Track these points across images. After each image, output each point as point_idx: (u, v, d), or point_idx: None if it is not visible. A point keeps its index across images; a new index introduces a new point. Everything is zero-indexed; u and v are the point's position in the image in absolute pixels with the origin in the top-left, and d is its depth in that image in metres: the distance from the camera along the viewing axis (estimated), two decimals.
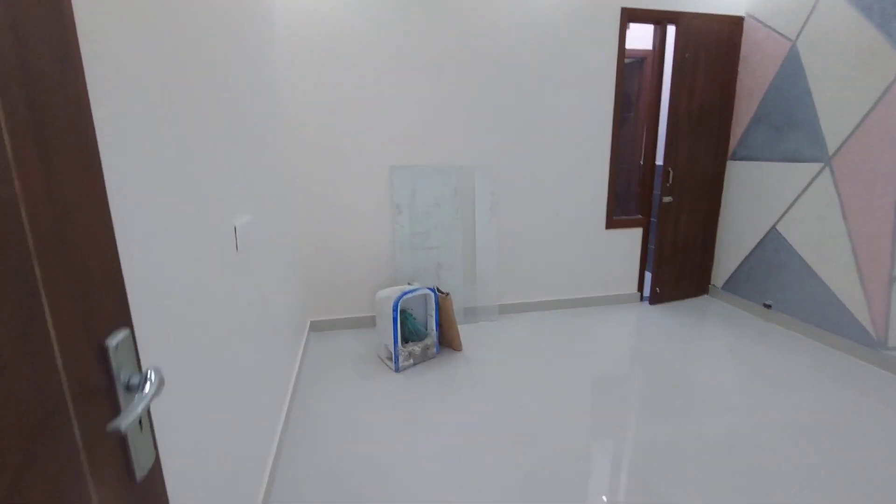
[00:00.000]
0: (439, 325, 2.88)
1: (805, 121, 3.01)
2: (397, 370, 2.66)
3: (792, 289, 3.18)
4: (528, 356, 2.89)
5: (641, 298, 3.83)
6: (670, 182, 3.49)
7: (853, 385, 2.54)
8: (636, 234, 3.69)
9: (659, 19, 3.29)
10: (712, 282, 3.90)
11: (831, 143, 2.86)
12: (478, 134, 3.23)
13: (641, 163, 3.71)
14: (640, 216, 3.69)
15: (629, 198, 4.35)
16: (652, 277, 3.69)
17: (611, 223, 3.59)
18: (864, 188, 2.69)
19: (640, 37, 3.89)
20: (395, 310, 2.57)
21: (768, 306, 3.36)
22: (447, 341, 2.94)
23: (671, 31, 3.38)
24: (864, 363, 2.73)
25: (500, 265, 3.45)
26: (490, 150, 3.27)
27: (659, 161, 3.61)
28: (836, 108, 2.82)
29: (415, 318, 2.84)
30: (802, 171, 3.06)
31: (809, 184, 3.01)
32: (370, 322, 3.26)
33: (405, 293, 2.62)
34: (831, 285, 2.92)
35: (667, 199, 3.52)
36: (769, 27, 3.22)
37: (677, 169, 3.49)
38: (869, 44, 2.61)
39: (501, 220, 3.39)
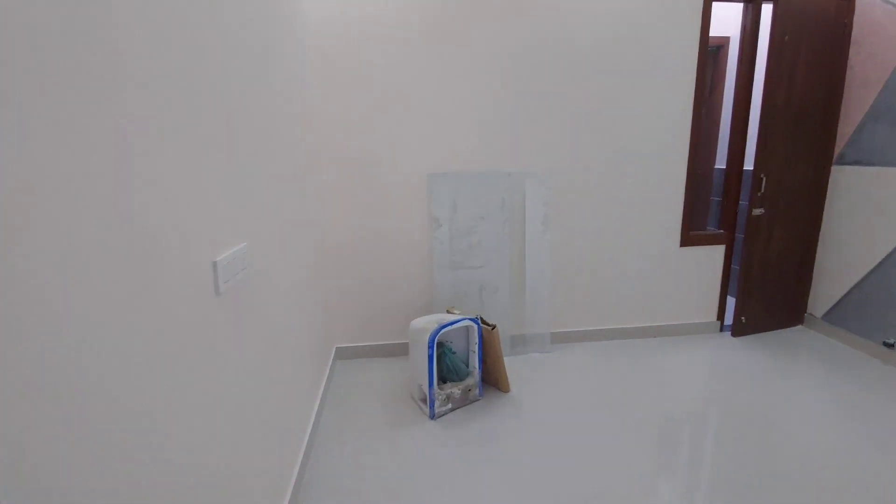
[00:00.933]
0: (483, 361, 2.43)
1: None
2: (433, 416, 2.23)
3: None
4: (587, 400, 2.39)
5: (722, 328, 3.23)
6: (762, 191, 2.90)
7: None
8: (717, 252, 3.11)
9: None
10: (809, 310, 3.25)
11: None
12: (529, 136, 2.77)
13: (725, 168, 3.13)
14: (722, 231, 3.11)
15: (700, 208, 3.76)
16: (736, 304, 3.09)
17: (686, 239, 3.03)
18: None
19: (716, 21, 3.32)
20: (431, 346, 2.14)
21: (890, 346, 2.70)
22: (492, 380, 2.49)
23: (766, 9, 2.81)
24: None
25: (553, 287, 2.96)
26: (543, 154, 2.81)
27: (747, 165, 3.03)
28: None
29: (455, 354, 2.40)
30: None
31: None
32: (403, 350, 2.84)
33: (444, 326, 2.19)
34: None
35: (757, 211, 2.93)
36: (890, 2, 2.60)
37: (771, 175, 2.90)
38: None
39: (555, 236, 2.90)
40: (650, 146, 2.87)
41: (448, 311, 2.51)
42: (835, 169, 3.01)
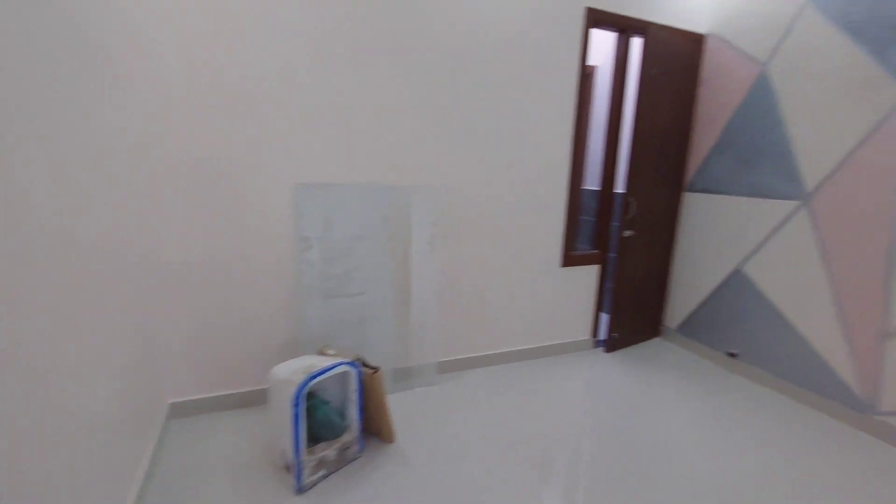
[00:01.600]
0: (363, 410, 2.06)
1: (777, 153, 2.72)
2: (300, 490, 1.78)
3: (761, 338, 2.86)
4: (475, 437, 2.19)
5: (596, 344, 3.33)
6: (632, 214, 3.05)
7: (840, 453, 2.21)
8: (592, 271, 3.19)
9: (625, 27, 2.84)
10: (665, 323, 3.53)
11: (810, 180, 2.58)
12: (416, 147, 2.49)
13: (598, 189, 3.23)
14: (596, 251, 3.20)
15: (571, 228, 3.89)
16: (610, 321, 3.21)
17: (568, 259, 3.05)
18: (850, 232, 2.41)
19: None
20: (296, 402, 1.70)
21: (733, 355, 3.02)
22: (374, 430, 2.13)
23: (636, 42, 2.96)
24: (849, 428, 2.43)
25: (439, 313, 2.72)
26: (431, 168, 2.55)
27: (615, 188, 3.16)
28: (815, 142, 2.54)
29: (328, 405, 1.98)
30: (774, 209, 2.76)
31: (783, 223, 2.71)
32: (263, 398, 2.32)
33: (314, 376, 1.76)
34: (809, 338, 2.62)
35: (628, 232, 3.07)
36: (736, 48, 2.92)
37: (639, 199, 3.05)
38: (859, 72, 2.34)
39: (443, 257, 2.67)
40: (536, 166, 2.81)
41: (321, 353, 2.08)
42: (687, 195, 3.30)
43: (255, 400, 2.36)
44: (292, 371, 1.81)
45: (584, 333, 3.27)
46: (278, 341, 2.36)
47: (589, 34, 2.74)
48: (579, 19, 2.71)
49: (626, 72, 2.96)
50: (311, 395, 1.93)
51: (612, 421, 2.41)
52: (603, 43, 3.55)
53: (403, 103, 2.41)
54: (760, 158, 2.81)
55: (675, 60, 2.98)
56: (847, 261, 2.43)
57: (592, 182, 3.76)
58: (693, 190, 3.26)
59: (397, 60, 2.35)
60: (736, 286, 2.99)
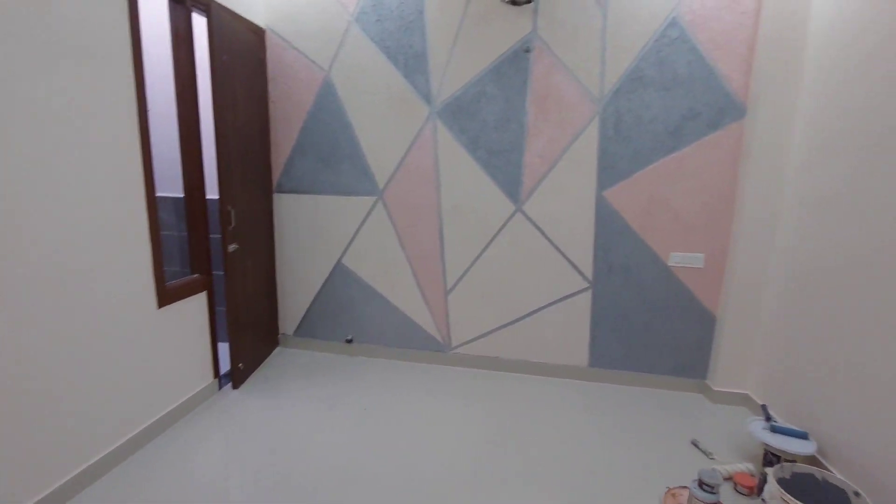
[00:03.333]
0: None
1: (353, 155, 3.03)
2: None
3: (369, 318, 3.24)
4: None
5: (221, 383, 2.77)
6: (233, 224, 2.63)
7: (435, 382, 2.91)
8: (200, 300, 2.57)
9: None
10: (282, 331, 3.38)
11: (380, 179, 3.03)
12: None
13: (184, 197, 2.56)
14: (199, 275, 2.58)
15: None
16: (231, 351, 2.72)
17: (165, 296, 2.29)
18: (413, 218, 3.04)
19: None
20: None
21: (350, 341, 3.28)
22: None
23: (199, 22, 2.44)
24: (438, 366, 3.19)
25: None
26: None
27: (210, 194, 2.62)
28: (378, 146, 2.99)
29: None
30: (358, 205, 3.09)
31: (367, 216, 3.10)
32: None
33: None
34: (401, 307, 3.18)
35: (232, 246, 2.64)
36: (297, 49, 2.96)
37: (237, 206, 2.66)
38: (398, 90, 2.89)
39: None
40: (85, 170, 1.87)
41: None
42: (276, 196, 3.18)
43: None
44: None
45: (205, 378, 2.64)
46: None
47: None
48: None
49: (193, 55, 2.41)
50: None
51: (267, 462, 2.09)
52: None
53: None
54: (339, 159, 3.04)
55: (244, 50, 2.69)
56: (415, 241, 3.07)
57: (170, 187, 2.96)
58: (282, 191, 3.17)
59: None
60: (340, 278, 3.21)
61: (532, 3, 2.63)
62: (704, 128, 2.60)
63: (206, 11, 2.38)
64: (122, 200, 2.02)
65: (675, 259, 2.76)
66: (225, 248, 2.59)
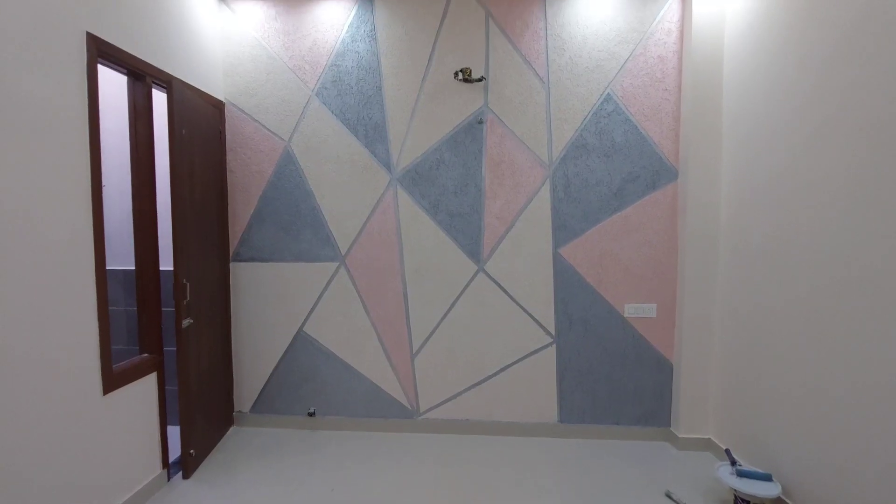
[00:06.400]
0: None
1: (314, 222, 3.03)
2: None
3: (333, 388, 3.10)
4: None
5: (170, 473, 2.51)
6: (188, 298, 2.51)
7: (397, 455, 2.78)
8: (149, 382, 2.38)
9: (143, 72, 2.28)
10: (237, 408, 3.16)
11: (342, 244, 3.04)
12: None
13: (135, 270, 2.42)
14: (148, 354, 2.40)
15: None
16: (182, 437, 2.50)
17: (111, 380, 2.10)
18: (377, 282, 3.04)
19: None
20: None
21: (312, 414, 3.11)
22: None
23: (159, 97, 2.45)
24: (407, 434, 3.06)
25: None
26: None
27: (163, 264, 2.50)
28: (340, 213, 3.02)
29: None
30: (319, 271, 3.06)
31: (329, 282, 3.06)
32: None
33: None
34: (366, 373, 3.09)
35: (186, 322, 2.50)
36: (258, 121, 3.01)
37: (192, 278, 2.56)
38: (359, 158, 2.98)
39: None
40: (29, 248, 1.75)
41: None
42: (234, 265, 3.09)
43: None
44: None
45: (153, 468, 2.38)
46: None
47: (96, 68, 2.01)
48: (80, 47, 1.93)
49: (152, 129, 2.39)
50: None
51: None
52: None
53: None
54: (300, 226, 3.04)
55: (203, 123, 2.71)
56: (380, 304, 3.05)
57: (121, 259, 2.80)
58: (240, 259, 3.08)
59: None
60: (301, 347, 3.09)
61: (483, 82, 2.87)
62: (644, 188, 2.87)
63: (167, 87, 2.40)
64: (69, 278, 1.89)
65: (630, 310, 2.91)
66: (178, 324, 2.45)
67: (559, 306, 2.95)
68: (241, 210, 3.06)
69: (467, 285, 2.99)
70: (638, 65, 2.82)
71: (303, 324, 3.08)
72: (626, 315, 2.92)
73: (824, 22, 1.97)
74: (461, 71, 2.81)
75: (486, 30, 2.86)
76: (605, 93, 2.84)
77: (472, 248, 2.97)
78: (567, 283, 2.94)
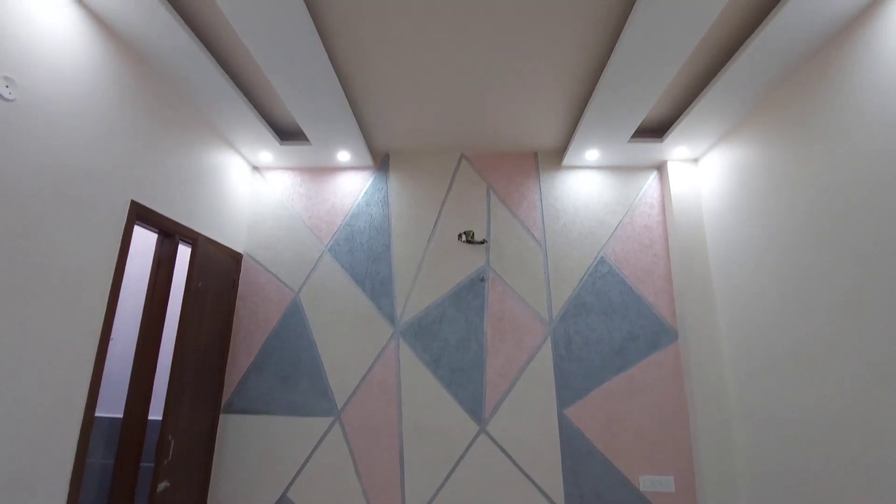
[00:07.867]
0: None
1: (313, 373, 2.99)
2: None
3: None
4: None
5: None
6: (170, 457, 2.35)
7: None
8: None
9: (172, 232, 2.50)
10: None
11: (339, 397, 2.94)
12: None
13: (123, 417, 2.31)
14: None
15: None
16: None
17: None
18: (372, 443, 2.86)
19: None
20: None
21: None
22: None
23: (184, 252, 2.64)
24: None
25: None
26: None
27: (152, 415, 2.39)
28: (341, 364, 2.99)
29: None
30: (312, 426, 2.91)
31: (322, 439, 2.88)
32: None
33: None
34: None
35: (163, 485, 2.30)
36: (271, 272, 3.18)
37: (178, 431, 2.43)
38: (364, 311, 3.06)
39: None
40: (23, 393, 1.71)
41: None
42: (223, 417, 2.95)
43: None
44: None
45: None
46: None
47: (132, 232, 2.21)
48: (122, 213, 2.15)
49: (171, 281, 2.53)
50: None
51: None
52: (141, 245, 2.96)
53: None
54: (299, 377, 2.98)
55: (219, 273, 2.86)
56: (373, 467, 2.82)
57: (108, 405, 2.70)
58: (230, 411, 2.96)
59: None
60: None
61: (484, 244, 3.10)
62: (645, 348, 2.87)
63: (193, 243, 2.60)
64: (55, 428, 1.80)
65: (646, 483, 2.67)
66: (154, 489, 2.25)
67: (568, 476, 2.71)
68: (242, 357, 3.04)
69: (468, 448, 2.80)
70: (627, 232, 3.06)
71: (287, 488, 2.82)
72: (641, 489, 2.67)
73: (791, 199, 2.20)
74: (464, 233, 3.06)
75: (487, 200, 3.19)
76: (599, 256, 3.04)
77: (474, 405, 2.86)
78: (575, 448, 2.75)
